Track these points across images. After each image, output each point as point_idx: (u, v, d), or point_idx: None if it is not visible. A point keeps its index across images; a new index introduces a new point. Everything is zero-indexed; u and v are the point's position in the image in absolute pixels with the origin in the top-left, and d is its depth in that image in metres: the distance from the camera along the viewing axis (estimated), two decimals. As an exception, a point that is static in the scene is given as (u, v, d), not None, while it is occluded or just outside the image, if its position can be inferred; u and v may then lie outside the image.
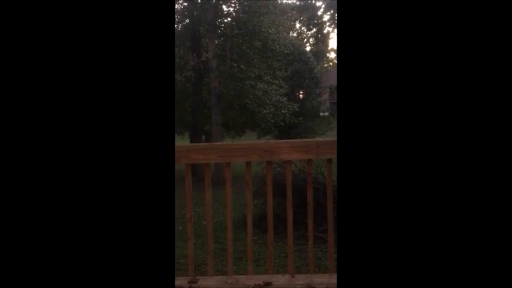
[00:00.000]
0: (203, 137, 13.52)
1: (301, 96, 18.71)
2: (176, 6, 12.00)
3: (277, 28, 13.23)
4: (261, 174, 6.40)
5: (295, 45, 18.16)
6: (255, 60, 12.61)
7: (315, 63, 20.11)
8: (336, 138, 1.57)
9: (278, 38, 13.03)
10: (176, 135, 13.53)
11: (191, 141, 12.67)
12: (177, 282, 2.15)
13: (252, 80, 12.26)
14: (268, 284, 2.17)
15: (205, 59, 11.20)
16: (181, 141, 12.28)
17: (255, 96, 12.30)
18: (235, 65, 12.39)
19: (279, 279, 2.00)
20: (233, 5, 12.95)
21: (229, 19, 13.01)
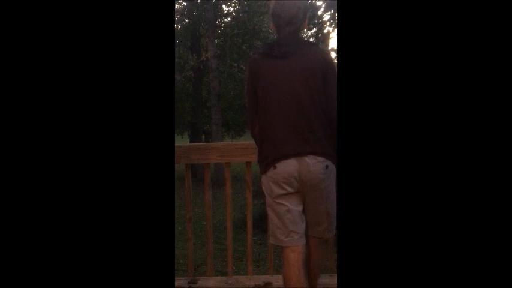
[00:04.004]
0: (203, 137, 13.51)
1: (301, 96, 18.64)
2: (176, 6, 12.00)
3: (277, 27, 13.20)
4: (261, 174, 6.38)
5: (295, 45, 18.10)
6: (254, 60, 12.57)
7: (315, 63, 20.01)
8: (336, 138, 1.57)
9: (277, 37, 12.99)
10: (176, 135, 13.52)
11: (191, 141, 12.66)
12: (177, 283, 2.15)
13: (252, 80, 12.21)
14: (268, 284, 2.17)
15: (205, 59, 11.19)
16: (181, 141, 12.27)
17: (255, 96, 12.25)
18: (235, 65, 12.38)
19: (279, 279, 1.99)
20: (233, 4, 12.95)
21: (229, 19, 13.01)
